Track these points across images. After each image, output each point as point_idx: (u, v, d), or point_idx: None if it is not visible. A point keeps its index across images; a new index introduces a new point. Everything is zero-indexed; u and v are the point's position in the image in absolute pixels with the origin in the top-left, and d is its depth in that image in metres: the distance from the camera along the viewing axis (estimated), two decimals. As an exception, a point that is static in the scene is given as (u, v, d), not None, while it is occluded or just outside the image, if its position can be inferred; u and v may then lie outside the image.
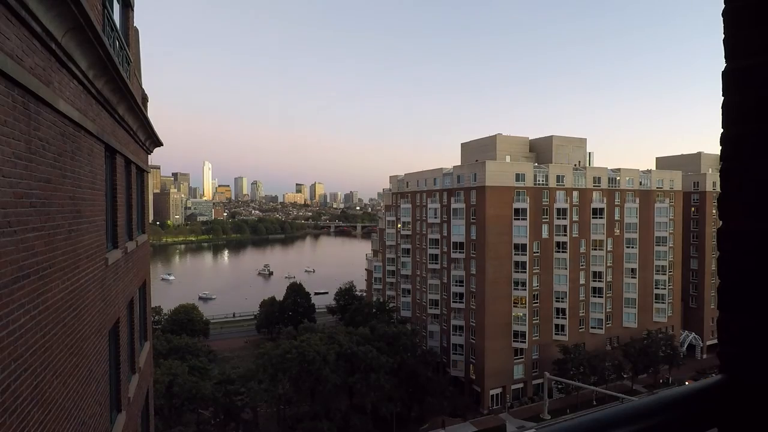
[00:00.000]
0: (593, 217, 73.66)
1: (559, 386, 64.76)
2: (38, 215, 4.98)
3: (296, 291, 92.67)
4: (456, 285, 71.03)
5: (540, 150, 79.48)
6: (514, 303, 67.47)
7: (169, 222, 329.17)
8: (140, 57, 15.50)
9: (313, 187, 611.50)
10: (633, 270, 76.13)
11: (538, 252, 69.37)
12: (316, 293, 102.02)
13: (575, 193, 72.83)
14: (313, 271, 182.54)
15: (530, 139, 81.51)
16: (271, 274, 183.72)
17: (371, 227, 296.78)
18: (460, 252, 70.32)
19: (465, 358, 69.19)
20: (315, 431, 48.92)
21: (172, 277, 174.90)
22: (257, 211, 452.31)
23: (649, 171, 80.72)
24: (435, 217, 76.10)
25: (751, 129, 1.17)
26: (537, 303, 69.07)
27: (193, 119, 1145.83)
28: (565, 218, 70.87)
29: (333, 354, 54.70)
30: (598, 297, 73.73)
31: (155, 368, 37.76)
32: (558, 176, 71.56)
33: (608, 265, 74.73)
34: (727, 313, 1.20)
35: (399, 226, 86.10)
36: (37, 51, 4.83)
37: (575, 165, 76.83)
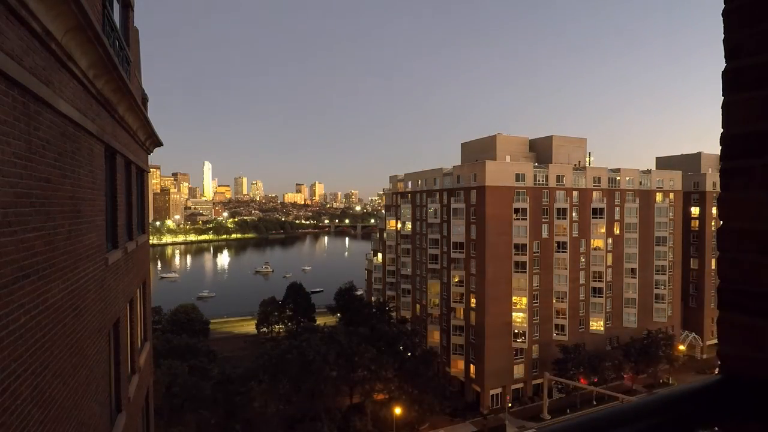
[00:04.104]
0: (593, 217, 73.66)
1: (559, 386, 64.78)
2: (38, 215, 4.98)
3: (296, 290, 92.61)
4: (456, 285, 71.05)
5: (540, 150, 79.50)
6: (514, 303, 67.44)
7: (169, 222, 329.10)
8: (140, 57, 15.50)
9: (312, 187, 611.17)
10: (633, 270, 76.11)
11: (538, 252, 69.36)
12: (312, 292, 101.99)
13: (575, 193, 72.83)
14: (309, 269, 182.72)
15: (530, 139, 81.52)
16: (271, 271, 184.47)
17: (371, 227, 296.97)
18: (460, 252, 70.32)
19: (465, 358, 69.17)
20: (315, 431, 48.92)
21: (174, 275, 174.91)
22: (257, 211, 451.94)
23: (649, 171, 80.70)
24: (435, 217, 76.08)
25: (751, 129, 1.16)
26: (537, 303, 69.04)
27: (193, 119, 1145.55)
28: (565, 218, 70.88)
29: (333, 354, 54.66)
30: (598, 297, 73.71)
31: (155, 368, 37.73)
32: (558, 176, 71.56)
33: (608, 265, 74.71)
34: (727, 313, 1.19)
35: (399, 226, 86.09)
36: (37, 51, 4.83)
37: (575, 165, 76.83)
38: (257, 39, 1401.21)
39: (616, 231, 75.94)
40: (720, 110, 1.23)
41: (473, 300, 67.90)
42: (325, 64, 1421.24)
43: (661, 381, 70.92)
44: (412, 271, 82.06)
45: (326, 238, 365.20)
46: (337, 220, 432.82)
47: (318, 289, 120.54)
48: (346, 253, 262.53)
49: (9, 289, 4.22)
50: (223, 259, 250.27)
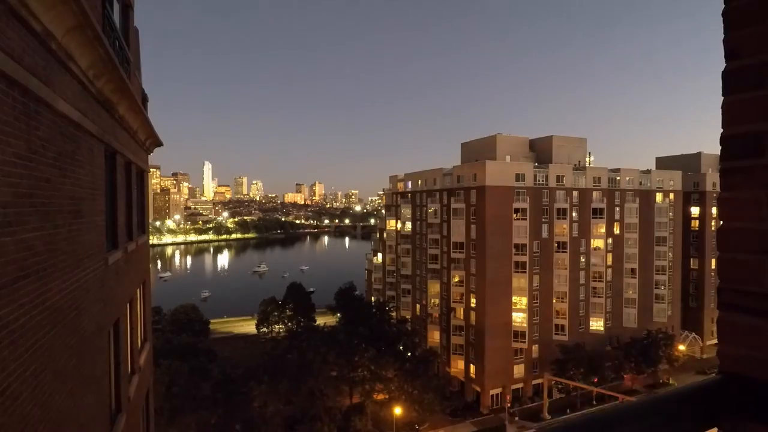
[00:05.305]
0: (593, 217, 73.64)
1: (559, 386, 64.75)
2: (38, 215, 4.97)
3: (296, 290, 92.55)
4: (456, 285, 71.03)
5: (540, 150, 79.45)
6: (514, 303, 67.43)
7: (169, 222, 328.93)
8: (140, 57, 15.49)
9: (312, 187, 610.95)
10: (633, 270, 76.07)
11: (538, 252, 69.32)
12: (308, 292, 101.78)
13: (575, 193, 72.80)
14: (307, 268, 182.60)
15: (530, 139, 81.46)
16: (266, 270, 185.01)
17: (371, 227, 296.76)
18: (460, 252, 70.29)
19: (465, 358, 69.15)
20: (315, 431, 48.89)
21: (168, 274, 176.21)
22: (257, 211, 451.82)
23: (649, 171, 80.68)
24: (435, 217, 76.06)
25: (751, 129, 1.16)
26: (537, 303, 69.01)
27: (193, 119, 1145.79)
28: (565, 218, 70.85)
29: (333, 354, 54.63)
30: (598, 297, 73.70)
31: (155, 368, 37.71)
32: (558, 176, 71.53)
33: (608, 265, 74.67)
34: (727, 313, 1.20)
35: (399, 226, 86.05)
36: (37, 51, 4.82)
37: (575, 165, 76.79)
38: (257, 39, 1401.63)
39: (616, 231, 75.91)
40: (720, 110, 1.23)
41: (473, 300, 67.88)
42: (325, 64, 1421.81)
43: (661, 381, 70.90)
44: (412, 271, 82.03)
45: (326, 238, 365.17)
46: (337, 220, 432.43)
47: (310, 290, 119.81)
48: (347, 247, 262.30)
49: (9, 289, 4.21)
50: (223, 259, 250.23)
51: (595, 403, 64.06)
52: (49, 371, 5.26)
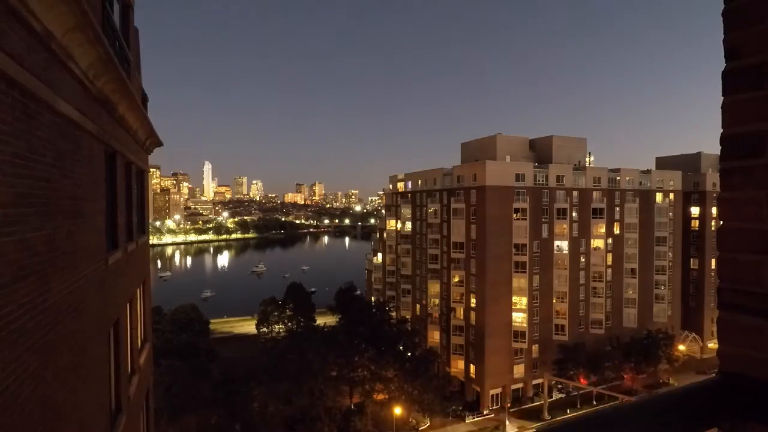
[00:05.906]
0: (593, 217, 73.65)
1: (559, 386, 64.75)
2: (38, 215, 4.97)
3: (296, 290, 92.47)
4: (456, 285, 71.04)
5: (540, 150, 79.44)
6: (514, 303, 67.43)
7: (169, 222, 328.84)
8: (140, 56, 15.49)
9: (312, 187, 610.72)
10: (633, 270, 76.10)
11: (538, 252, 69.32)
12: (309, 292, 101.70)
13: (575, 193, 72.81)
14: (307, 268, 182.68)
15: (530, 139, 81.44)
16: (264, 270, 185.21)
17: (371, 227, 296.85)
18: (460, 252, 70.30)
19: (465, 357, 69.15)
20: (315, 431, 48.88)
21: (168, 273, 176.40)
22: (257, 211, 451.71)
23: (648, 171, 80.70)
24: (435, 217, 76.07)
25: (751, 129, 1.17)
26: (537, 303, 69.01)
27: (193, 119, 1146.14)
28: (565, 218, 70.86)
29: (333, 354, 54.61)
30: (598, 297, 73.70)
31: (155, 368, 37.68)
32: (558, 176, 71.54)
33: (608, 265, 74.69)
34: (727, 313, 1.20)
35: (399, 226, 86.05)
36: (37, 51, 4.82)
37: (575, 165, 76.79)
38: (257, 40, 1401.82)
39: (616, 231, 75.94)
40: (720, 110, 1.23)
41: (473, 300, 67.87)
42: (325, 64, 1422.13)
43: (661, 381, 70.88)
44: (412, 271, 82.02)
45: (326, 238, 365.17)
46: (337, 220, 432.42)
47: (310, 290, 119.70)
48: (347, 247, 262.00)
49: (9, 289, 4.21)
50: (223, 259, 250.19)
51: (595, 403, 64.06)
52: (48, 371, 5.25)
